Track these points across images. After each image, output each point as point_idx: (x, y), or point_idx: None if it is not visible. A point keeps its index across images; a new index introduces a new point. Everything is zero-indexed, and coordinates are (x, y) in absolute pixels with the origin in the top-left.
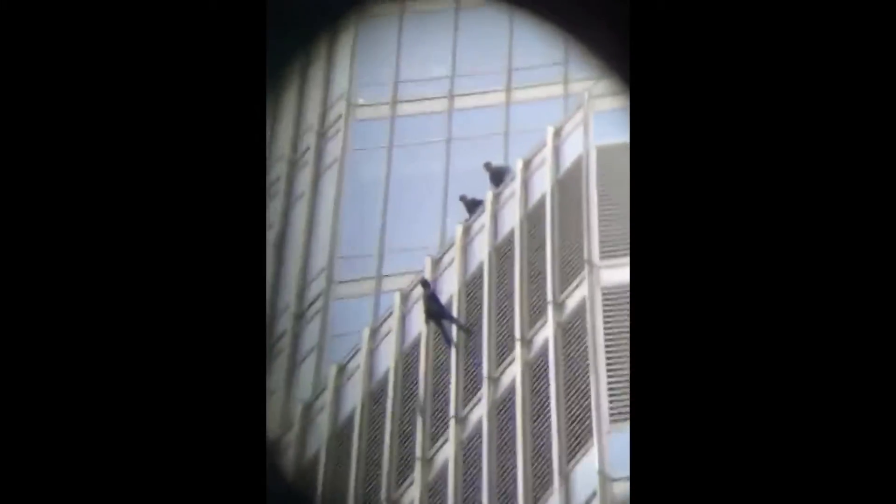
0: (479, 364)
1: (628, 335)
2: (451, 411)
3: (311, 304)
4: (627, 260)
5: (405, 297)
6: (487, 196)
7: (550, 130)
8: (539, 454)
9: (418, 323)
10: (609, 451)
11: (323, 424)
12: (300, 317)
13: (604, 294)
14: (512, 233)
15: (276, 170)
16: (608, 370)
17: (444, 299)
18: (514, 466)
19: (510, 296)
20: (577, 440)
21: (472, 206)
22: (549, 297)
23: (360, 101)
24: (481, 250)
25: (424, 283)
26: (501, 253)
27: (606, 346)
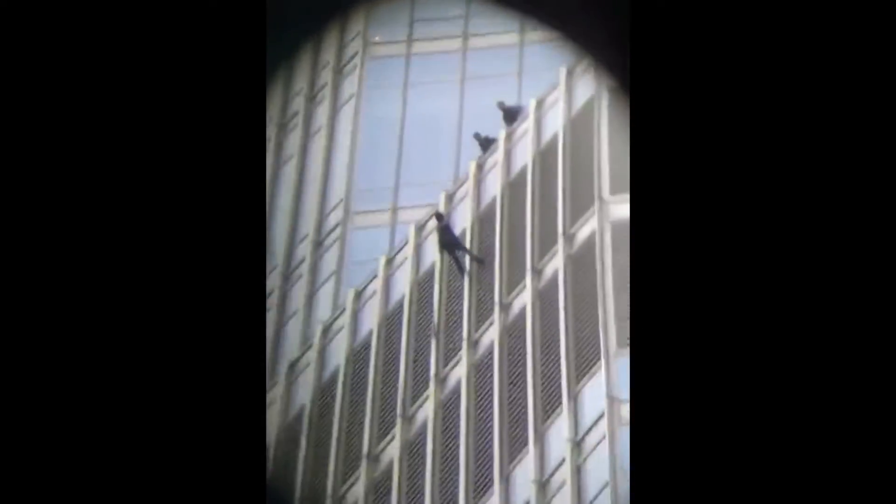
0: (492, 291)
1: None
2: (464, 335)
3: (330, 232)
4: None
5: (420, 229)
6: (501, 134)
7: (563, 71)
8: (548, 377)
9: (432, 253)
10: (616, 375)
11: (342, 345)
12: (319, 244)
13: (613, 227)
14: (524, 169)
15: (294, 105)
16: (615, 299)
17: (457, 232)
18: (525, 388)
19: (522, 229)
20: (585, 364)
21: (486, 143)
22: (560, 229)
23: (377, 38)
24: (494, 186)
25: (438, 216)
26: (514, 189)
27: (614, 277)
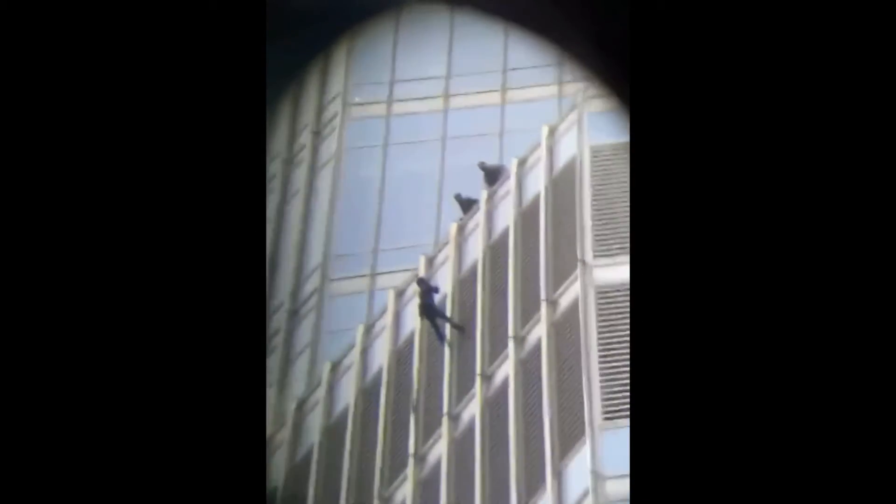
0: (473, 361)
1: (620, 334)
2: (444, 408)
3: (306, 300)
4: (620, 259)
5: (399, 295)
6: (482, 195)
7: (545, 130)
8: (532, 452)
9: (412, 321)
10: (601, 450)
11: (316, 421)
12: (295, 314)
13: (597, 293)
14: (506, 231)
15: (272, 168)
16: (601, 369)
17: (437, 298)
18: (507, 464)
19: (504, 294)
20: (569, 438)
21: (468, 204)
22: (543, 295)
23: (357, 99)
24: (475, 249)
25: (420, 282)
26: (495, 251)
27: (599, 345)
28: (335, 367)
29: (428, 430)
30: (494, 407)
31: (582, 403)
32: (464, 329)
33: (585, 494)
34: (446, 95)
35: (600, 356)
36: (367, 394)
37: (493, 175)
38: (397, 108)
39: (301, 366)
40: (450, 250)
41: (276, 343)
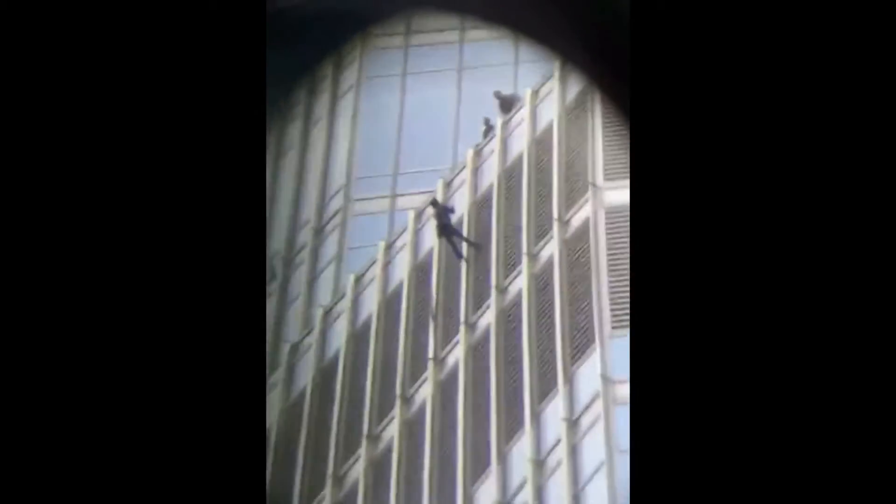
0: (488, 275)
1: (628, 252)
2: (462, 317)
3: (331, 219)
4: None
5: (418, 215)
6: (497, 122)
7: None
8: (544, 358)
9: (430, 239)
10: (610, 356)
11: (342, 328)
12: (320, 231)
13: (607, 213)
14: (520, 156)
15: (296, 95)
16: (610, 281)
17: (454, 218)
18: (521, 369)
19: (518, 214)
20: (580, 345)
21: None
22: (555, 215)
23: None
24: (491, 173)
25: (434, 203)
26: (510, 175)
27: (608, 260)
28: (358, 279)
29: (446, 337)
30: (509, 316)
31: (591, 313)
32: (480, 246)
33: (596, 397)
34: (462, 27)
35: (609, 270)
36: (389, 304)
37: (508, 104)
38: (415, 39)
39: (326, 278)
40: (467, 174)
41: (302, 257)
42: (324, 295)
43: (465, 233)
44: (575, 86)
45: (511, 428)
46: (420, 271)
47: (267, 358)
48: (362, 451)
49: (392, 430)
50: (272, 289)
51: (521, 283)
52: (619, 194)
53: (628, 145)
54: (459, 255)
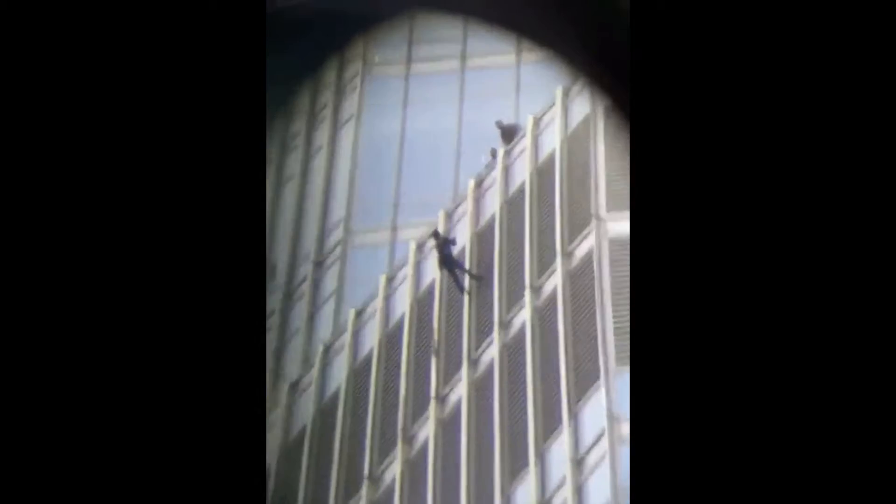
0: (491, 309)
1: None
2: (464, 353)
3: (331, 251)
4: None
5: (420, 247)
6: (499, 152)
7: (559, 89)
8: (548, 394)
9: (432, 271)
10: (615, 392)
11: (342, 364)
12: (320, 264)
13: (610, 245)
14: (522, 187)
15: (296, 125)
16: (614, 315)
17: (456, 250)
18: (525, 405)
19: (520, 246)
20: (584, 381)
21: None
22: (558, 247)
23: (377, 59)
24: (493, 203)
25: (435, 234)
26: (512, 206)
27: (612, 293)
28: (359, 314)
29: (448, 374)
30: (512, 352)
31: (596, 348)
32: (482, 279)
33: (601, 434)
34: (463, 56)
35: (613, 303)
36: (390, 339)
37: (509, 133)
38: (416, 68)
39: (327, 312)
40: (468, 205)
41: (302, 290)
42: (324, 329)
43: (467, 265)
44: (577, 114)
45: (516, 467)
46: (421, 305)
47: (266, 396)
48: (363, 491)
49: (394, 471)
50: (270, 323)
51: (524, 316)
52: (623, 225)
53: (628, 145)
54: (462, 289)
